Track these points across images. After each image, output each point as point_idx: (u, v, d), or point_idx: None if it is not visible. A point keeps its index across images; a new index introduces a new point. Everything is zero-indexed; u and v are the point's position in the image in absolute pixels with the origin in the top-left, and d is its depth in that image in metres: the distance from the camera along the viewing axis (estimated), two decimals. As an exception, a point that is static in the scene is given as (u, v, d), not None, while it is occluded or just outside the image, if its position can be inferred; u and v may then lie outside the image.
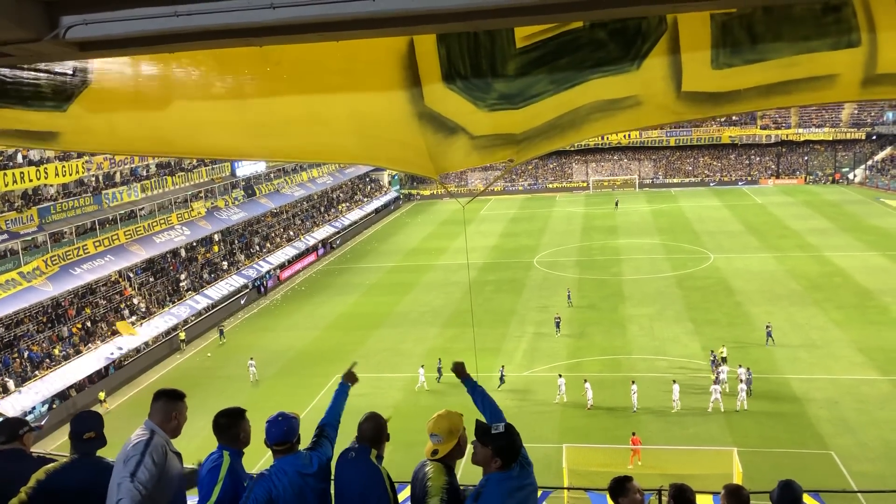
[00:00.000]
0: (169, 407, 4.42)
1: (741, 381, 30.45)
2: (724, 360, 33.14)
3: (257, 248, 59.67)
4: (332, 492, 4.61)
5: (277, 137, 4.90)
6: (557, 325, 39.87)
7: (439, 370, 33.24)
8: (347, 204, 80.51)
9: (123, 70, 4.32)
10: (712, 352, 33.99)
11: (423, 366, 34.19)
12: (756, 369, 32.02)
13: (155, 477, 4.10)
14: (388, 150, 5.17)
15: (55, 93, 4.32)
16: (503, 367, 33.78)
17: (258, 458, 4.92)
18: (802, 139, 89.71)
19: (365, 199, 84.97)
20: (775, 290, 45.34)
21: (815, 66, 3.87)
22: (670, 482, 5.16)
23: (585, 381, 31.43)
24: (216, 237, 56.98)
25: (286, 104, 4.61)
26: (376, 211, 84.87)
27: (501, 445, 4.24)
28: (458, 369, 5.05)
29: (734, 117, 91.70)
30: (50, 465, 4.54)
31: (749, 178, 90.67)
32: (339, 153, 5.93)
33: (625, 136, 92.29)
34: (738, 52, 3.90)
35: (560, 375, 32.16)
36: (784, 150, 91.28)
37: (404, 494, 4.90)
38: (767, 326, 36.97)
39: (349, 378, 5.24)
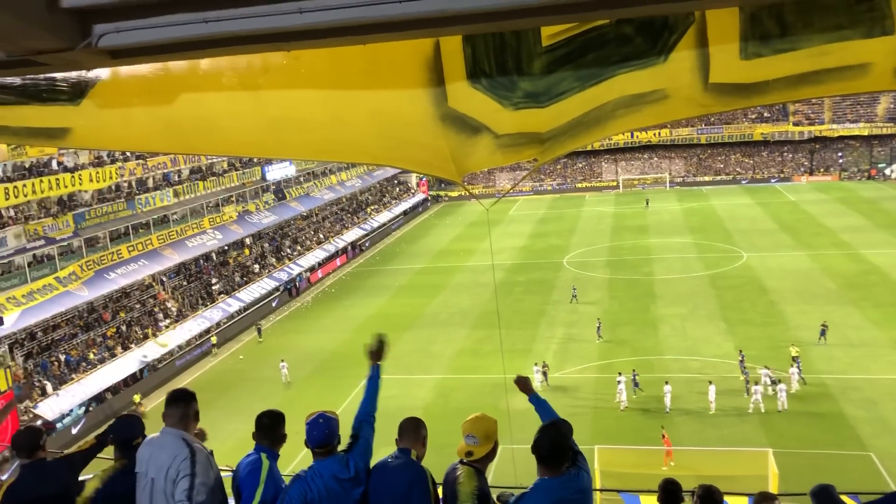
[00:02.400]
0: (189, 410, 4.46)
1: (771, 381, 29.99)
2: (795, 359, 32.03)
3: (288, 250, 60.16)
4: (370, 495, 4.57)
5: (295, 133, 4.84)
6: (598, 329, 39.22)
7: (545, 373, 33.45)
8: (376, 206, 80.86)
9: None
10: (740, 352, 33.51)
11: (536, 364, 34.07)
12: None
13: (210, 490, 4.16)
14: (409, 152, 5.14)
15: (71, 87, 4.33)
16: (634, 370, 32.78)
17: (290, 460, 4.94)
18: (836, 135, 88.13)
19: (393, 202, 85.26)
20: (810, 289, 44.64)
21: (847, 54, 3.78)
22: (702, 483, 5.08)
23: (620, 382, 31.18)
24: (247, 241, 57.54)
25: (304, 100, 4.58)
26: (404, 213, 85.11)
27: (541, 455, 4.11)
28: (524, 384, 5.02)
29: (766, 114, 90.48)
30: (103, 472, 4.59)
31: (782, 176, 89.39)
32: (360, 153, 5.88)
33: (655, 134, 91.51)
34: (767, 42, 3.83)
35: (620, 373, 31.75)
36: (817, 146, 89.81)
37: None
38: (823, 325, 36.08)
39: (376, 356, 4.89)
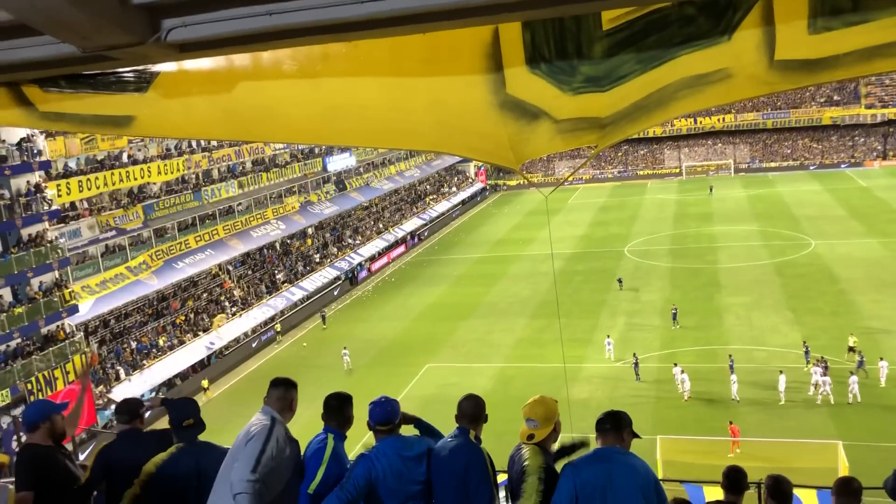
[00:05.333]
0: (287, 395, 4.63)
1: (824, 372, 29.16)
2: (851, 349, 31.48)
3: (349, 240, 60.92)
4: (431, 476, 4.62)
5: (352, 121, 4.84)
6: (674, 316, 38.81)
7: (636, 365, 32.93)
8: (435, 196, 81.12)
9: None
10: (804, 342, 32.63)
11: (608, 336, 35.32)
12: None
13: (273, 465, 4.22)
14: (467, 140, 5.11)
15: (137, 77, 4.42)
16: (731, 356, 31.96)
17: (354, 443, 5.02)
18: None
19: (452, 191, 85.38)
20: (882, 277, 43.08)
21: None
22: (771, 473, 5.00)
23: (682, 371, 30.69)
24: (309, 231, 58.49)
25: (362, 87, 4.57)
26: (463, 202, 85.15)
27: (604, 429, 4.44)
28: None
29: (835, 97, 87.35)
30: (158, 457, 4.79)
31: (853, 161, 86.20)
32: (417, 140, 5.90)
33: (719, 120, 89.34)
34: (838, 15, 3.64)
35: (675, 364, 31.43)
36: (892, 129, 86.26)
37: (501, 478, 4.92)
38: None
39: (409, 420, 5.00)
